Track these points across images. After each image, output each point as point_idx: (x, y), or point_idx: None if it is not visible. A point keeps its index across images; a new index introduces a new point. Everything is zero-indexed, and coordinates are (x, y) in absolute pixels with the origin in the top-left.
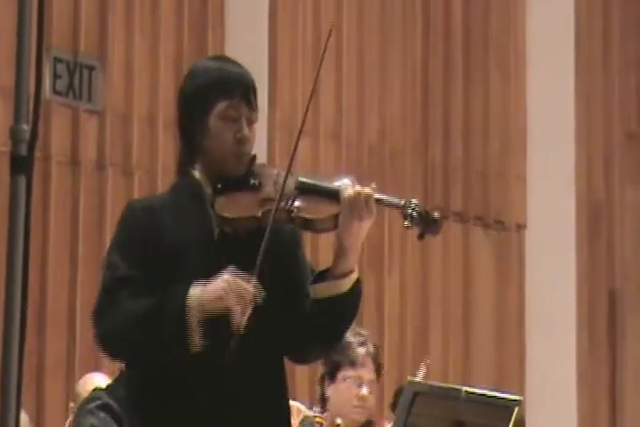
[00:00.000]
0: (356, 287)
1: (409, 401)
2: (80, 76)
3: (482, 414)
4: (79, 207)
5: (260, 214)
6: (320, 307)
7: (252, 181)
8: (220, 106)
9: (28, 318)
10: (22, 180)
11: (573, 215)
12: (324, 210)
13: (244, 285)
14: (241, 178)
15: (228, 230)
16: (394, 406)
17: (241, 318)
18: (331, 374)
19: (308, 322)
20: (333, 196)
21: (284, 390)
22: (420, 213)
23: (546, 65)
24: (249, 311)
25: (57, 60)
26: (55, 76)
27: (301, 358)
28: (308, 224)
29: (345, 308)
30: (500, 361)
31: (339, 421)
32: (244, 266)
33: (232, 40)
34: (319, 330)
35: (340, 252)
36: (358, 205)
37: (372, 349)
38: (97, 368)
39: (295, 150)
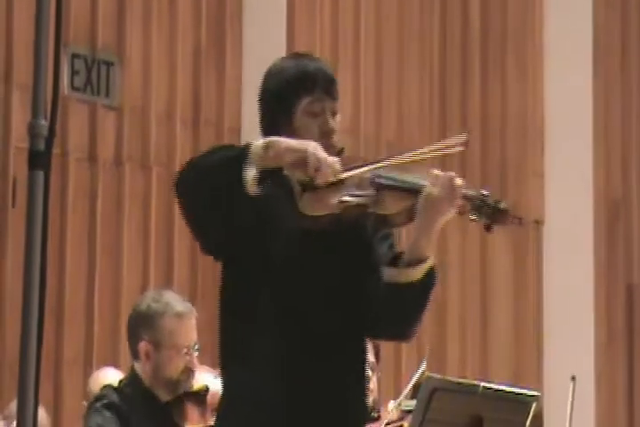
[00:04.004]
0: (428, 277)
1: (427, 397)
2: (98, 72)
3: (500, 409)
4: (97, 203)
5: (338, 211)
6: (389, 292)
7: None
8: (304, 102)
9: (45, 313)
10: (40, 175)
11: (591, 211)
12: (399, 204)
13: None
14: None
15: (309, 226)
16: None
17: (320, 169)
18: None
19: (379, 305)
20: (411, 190)
21: (364, 369)
22: (487, 206)
23: (563, 61)
24: (327, 171)
25: (75, 56)
26: (73, 72)
27: (376, 337)
28: (382, 219)
29: (412, 297)
30: (517, 357)
31: None
32: (333, 254)
33: (250, 34)
34: (388, 314)
35: (413, 239)
36: (445, 188)
37: None
38: (115, 363)
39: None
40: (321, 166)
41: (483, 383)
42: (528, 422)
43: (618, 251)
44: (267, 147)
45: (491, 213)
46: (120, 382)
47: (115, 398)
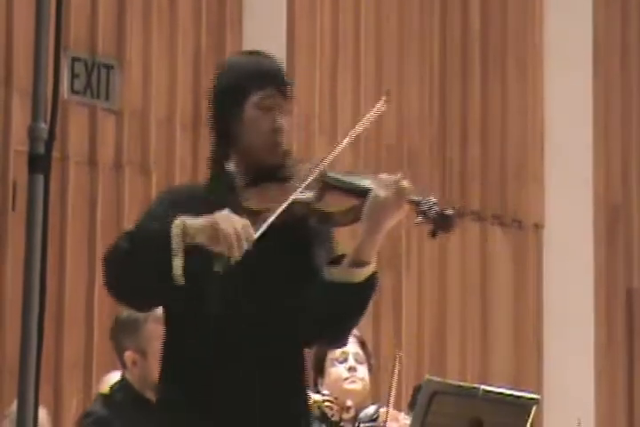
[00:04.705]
0: (370, 281)
1: (427, 400)
2: (98, 76)
3: (500, 412)
4: (97, 207)
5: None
6: (329, 291)
7: (283, 174)
8: (255, 96)
9: (45, 317)
10: (40, 178)
11: (591, 214)
12: (344, 203)
13: (237, 219)
14: (272, 171)
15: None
16: (412, 404)
17: (232, 246)
18: (320, 370)
19: (315, 305)
20: (357, 191)
21: (300, 374)
22: (434, 211)
23: (563, 61)
24: (240, 245)
25: (75, 60)
26: (73, 76)
27: (309, 344)
28: (326, 218)
29: (354, 298)
30: (517, 360)
31: (349, 403)
32: (267, 255)
33: (250, 39)
34: (322, 316)
35: (357, 242)
36: (392, 190)
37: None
38: (114, 367)
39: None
40: (231, 242)
41: (483, 386)
42: (528, 426)
43: (618, 255)
44: (183, 233)
45: (437, 219)
46: (111, 387)
47: (104, 411)
